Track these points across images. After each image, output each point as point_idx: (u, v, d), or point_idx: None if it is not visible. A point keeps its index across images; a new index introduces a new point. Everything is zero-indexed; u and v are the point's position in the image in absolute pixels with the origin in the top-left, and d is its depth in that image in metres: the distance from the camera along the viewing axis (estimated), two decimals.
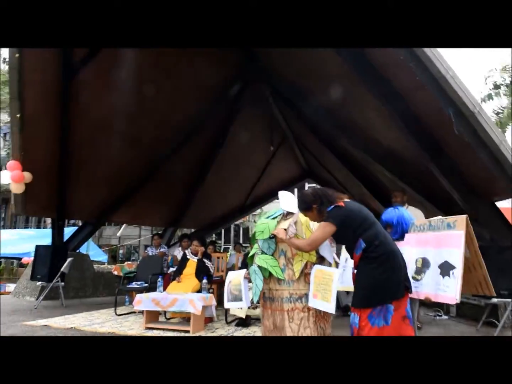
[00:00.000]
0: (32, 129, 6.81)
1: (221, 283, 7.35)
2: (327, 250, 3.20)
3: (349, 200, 2.89)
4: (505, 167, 5.02)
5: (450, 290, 3.45)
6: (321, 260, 3.21)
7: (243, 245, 13.58)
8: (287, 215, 3.40)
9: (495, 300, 5.02)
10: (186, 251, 6.21)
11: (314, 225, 3.19)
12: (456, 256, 3.51)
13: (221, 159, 10.62)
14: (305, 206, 2.95)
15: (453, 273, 3.52)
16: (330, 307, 2.95)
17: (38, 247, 8.11)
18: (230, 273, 3.58)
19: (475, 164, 5.41)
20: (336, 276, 3.00)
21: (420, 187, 6.68)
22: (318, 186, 4.28)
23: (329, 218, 2.81)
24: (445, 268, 3.59)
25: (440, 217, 4.47)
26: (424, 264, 3.46)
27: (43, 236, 15.36)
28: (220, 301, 6.07)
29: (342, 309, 6.77)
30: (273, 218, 3.36)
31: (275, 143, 11.46)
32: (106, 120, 7.73)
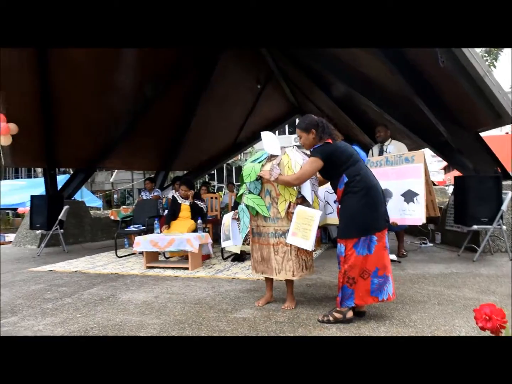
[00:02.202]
0: (11, 83, 6.70)
1: (215, 222, 7.55)
2: (307, 189, 3.35)
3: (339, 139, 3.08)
4: (489, 98, 5.08)
5: (416, 214, 4.32)
6: (302, 200, 3.35)
7: (236, 184, 13.39)
8: (271, 157, 3.51)
9: (475, 227, 5.28)
10: (175, 195, 6.18)
11: (296, 166, 3.32)
12: (419, 185, 4.39)
13: (208, 100, 10.47)
14: (305, 126, 3.09)
15: (417, 199, 4.39)
16: (308, 244, 3.15)
17: (33, 197, 8.21)
18: (224, 216, 3.80)
19: (459, 96, 5.46)
20: (317, 218, 3.17)
21: (406, 120, 6.76)
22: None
23: (317, 153, 2.98)
24: (409, 196, 4.43)
25: (397, 153, 5.12)
26: (386, 194, 3.69)
27: (35, 186, 15.47)
28: (216, 239, 6.28)
29: (333, 241, 7.12)
30: (260, 162, 3.47)
31: (262, 82, 11.34)
32: (87, 68, 7.58)
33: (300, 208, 3.24)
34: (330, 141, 3.00)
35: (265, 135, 3.36)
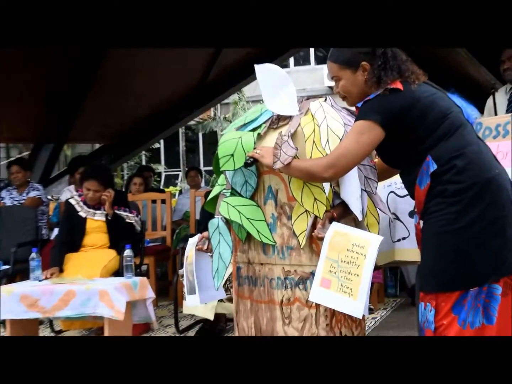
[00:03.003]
0: None
1: (163, 252, 4.51)
2: (353, 189, 1.89)
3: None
4: None
5: None
6: (342, 211, 1.90)
7: (204, 169, 9.36)
8: (277, 119, 1.96)
9: None
10: (73, 200, 3.46)
11: (331, 140, 1.85)
12: None
13: None
14: (349, 56, 1.85)
15: None
16: (356, 308, 1.84)
17: None
18: (189, 241, 2.25)
19: None
20: (375, 250, 1.81)
21: None
22: None
23: (371, 112, 1.77)
24: None
25: None
26: None
27: None
28: (164, 289, 4.15)
29: (410, 293, 4.18)
30: (254, 129, 1.99)
31: None
32: None
33: (338, 229, 1.86)
34: (399, 85, 1.78)
35: (265, 70, 1.97)
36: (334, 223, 1.83)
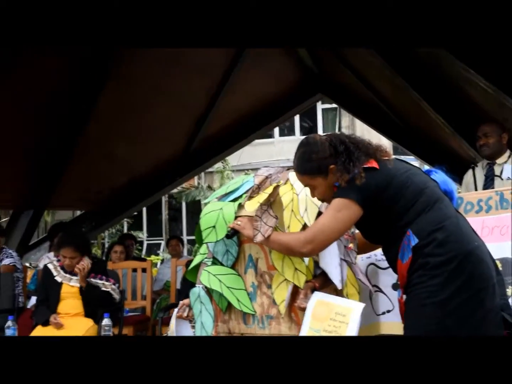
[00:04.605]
0: None
1: (142, 322, 4.28)
2: (332, 260, 1.88)
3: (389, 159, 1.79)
4: None
5: None
6: (322, 282, 1.88)
7: (186, 238, 9.31)
8: (258, 189, 1.95)
9: None
10: (52, 266, 3.41)
11: (309, 210, 1.89)
12: None
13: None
14: (314, 166, 1.78)
15: None
16: None
17: None
18: (174, 311, 2.19)
19: None
20: (357, 318, 1.78)
21: None
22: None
23: (348, 192, 1.74)
24: None
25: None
26: (507, 268, 2.19)
27: None
28: None
29: None
30: (235, 199, 2.01)
31: None
32: None
33: (320, 299, 1.84)
34: (375, 164, 1.75)
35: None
36: (316, 292, 1.81)
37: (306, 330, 1.76)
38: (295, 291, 1.82)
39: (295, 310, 1.83)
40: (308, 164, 1.75)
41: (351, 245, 1.90)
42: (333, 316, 1.75)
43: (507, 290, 2.16)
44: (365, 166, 1.68)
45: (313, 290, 1.81)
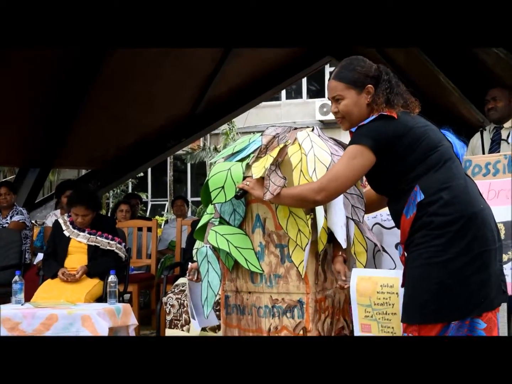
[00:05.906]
0: None
1: (147, 280, 4.35)
2: (339, 217, 1.88)
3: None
4: None
5: None
6: (335, 245, 1.92)
7: (191, 200, 9.18)
8: (266, 149, 1.95)
9: None
10: (61, 219, 3.49)
11: (318, 168, 1.84)
12: None
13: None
14: (356, 76, 1.81)
15: None
16: None
17: None
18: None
19: None
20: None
21: None
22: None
23: (363, 137, 1.74)
24: None
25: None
26: (509, 231, 2.16)
27: None
28: (146, 318, 4.06)
29: None
30: (243, 159, 1.98)
31: None
32: None
33: (360, 274, 1.89)
34: (393, 113, 1.75)
35: None
36: (354, 269, 1.85)
37: (356, 307, 1.81)
38: (324, 254, 1.88)
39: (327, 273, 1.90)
40: (350, 73, 1.77)
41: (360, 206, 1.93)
42: (379, 289, 1.79)
43: (508, 253, 2.20)
44: (384, 113, 1.70)
45: (344, 261, 1.88)
